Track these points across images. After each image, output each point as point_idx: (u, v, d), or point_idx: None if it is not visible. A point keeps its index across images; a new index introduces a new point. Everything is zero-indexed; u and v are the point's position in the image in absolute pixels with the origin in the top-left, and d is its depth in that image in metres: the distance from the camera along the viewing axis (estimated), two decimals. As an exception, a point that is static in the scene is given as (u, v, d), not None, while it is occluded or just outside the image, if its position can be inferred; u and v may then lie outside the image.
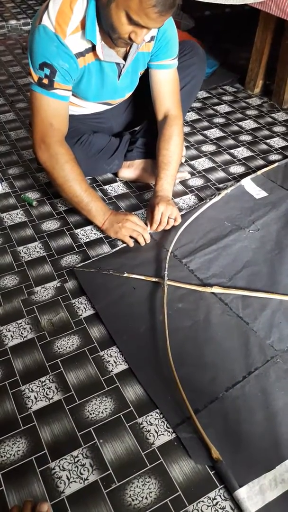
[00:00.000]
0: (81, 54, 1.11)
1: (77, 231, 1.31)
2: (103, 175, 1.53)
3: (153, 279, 1.13)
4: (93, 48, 1.11)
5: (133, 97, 1.44)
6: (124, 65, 1.19)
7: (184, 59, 1.37)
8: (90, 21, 1.05)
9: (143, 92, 1.46)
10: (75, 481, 0.78)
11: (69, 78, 1.12)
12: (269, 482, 0.77)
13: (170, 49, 1.25)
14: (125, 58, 1.19)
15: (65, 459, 0.81)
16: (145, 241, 1.24)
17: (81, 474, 0.79)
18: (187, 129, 1.83)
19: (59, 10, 1.04)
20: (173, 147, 1.30)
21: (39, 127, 1.16)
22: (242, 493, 0.75)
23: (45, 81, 1.10)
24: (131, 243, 1.24)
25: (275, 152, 1.70)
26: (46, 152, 1.17)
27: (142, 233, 1.23)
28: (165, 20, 0.99)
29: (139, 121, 1.51)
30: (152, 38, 1.20)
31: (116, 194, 1.46)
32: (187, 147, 1.70)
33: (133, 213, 1.33)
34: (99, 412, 0.87)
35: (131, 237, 1.24)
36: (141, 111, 1.49)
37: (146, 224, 1.27)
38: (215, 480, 0.78)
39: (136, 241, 1.24)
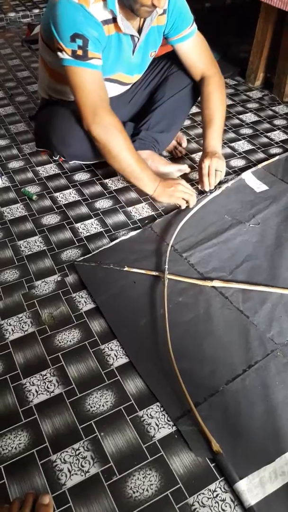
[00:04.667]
0: (105, 22, 1.11)
1: (77, 225, 1.31)
2: (104, 168, 1.52)
3: (154, 273, 1.13)
4: (113, 20, 1.12)
5: (137, 90, 1.45)
6: (138, 39, 1.21)
7: None
8: None
9: (147, 85, 1.45)
10: (76, 474, 0.78)
11: (99, 46, 1.12)
12: (269, 474, 0.77)
13: (185, 19, 1.27)
14: (139, 33, 1.21)
15: (66, 451, 0.81)
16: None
17: (82, 466, 0.79)
18: (187, 122, 1.82)
19: None
20: (212, 104, 1.36)
21: (88, 100, 1.14)
22: (242, 485, 0.75)
23: (80, 52, 1.09)
24: (184, 205, 1.31)
25: (276, 145, 1.69)
26: (100, 124, 1.15)
27: (192, 195, 1.30)
28: None
29: (141, 116, 1.50)
30: (164, 11, 1.22)
31: (116, 188, 1.46)
32: (187, 141, 1.69)
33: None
34: (100, 405, 0.88)
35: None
36: (143, 106, 1.49)
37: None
38: (215, 473, 0.78)
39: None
